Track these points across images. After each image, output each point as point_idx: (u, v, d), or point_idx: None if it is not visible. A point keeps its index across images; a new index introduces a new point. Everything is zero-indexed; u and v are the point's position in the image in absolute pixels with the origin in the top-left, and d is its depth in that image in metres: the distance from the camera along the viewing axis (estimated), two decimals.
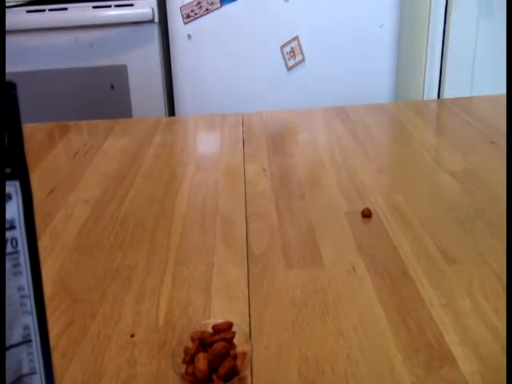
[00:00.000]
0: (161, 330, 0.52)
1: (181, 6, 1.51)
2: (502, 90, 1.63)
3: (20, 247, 0.28)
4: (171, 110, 1.70)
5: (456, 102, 1.15)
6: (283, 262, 0.62)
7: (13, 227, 0.28)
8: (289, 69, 1.58)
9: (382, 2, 1.55)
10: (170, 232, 0.70)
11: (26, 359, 0.30)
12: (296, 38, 1.55)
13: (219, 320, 0.48)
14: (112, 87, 1.64)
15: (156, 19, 1.58)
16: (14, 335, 0.29)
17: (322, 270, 0.60)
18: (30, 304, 0.29)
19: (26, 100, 1.60)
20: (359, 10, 1.55)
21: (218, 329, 0.46)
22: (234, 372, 0.43)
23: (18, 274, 0.29)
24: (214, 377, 0.43)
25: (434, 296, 0.55)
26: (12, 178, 0.28)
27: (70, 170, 0.90)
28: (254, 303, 0.55)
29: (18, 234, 0.28)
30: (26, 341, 0.30)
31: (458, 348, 0.48)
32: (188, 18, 1.52)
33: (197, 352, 0.44)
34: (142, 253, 0.65)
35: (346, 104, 1.21)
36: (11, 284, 0.28)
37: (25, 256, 0.29)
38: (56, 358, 0.49)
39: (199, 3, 1.51)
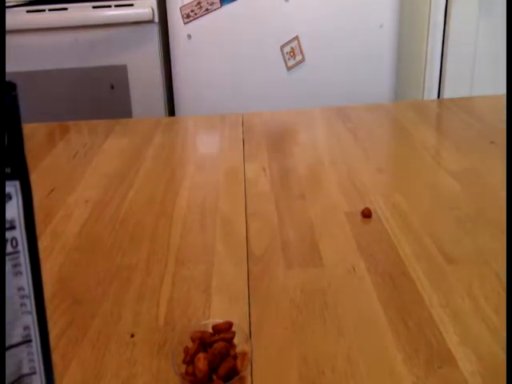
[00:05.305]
0: (161, 330, 0.52)
1: (181, 5, 1.51)
2: (502, 89, 1.63)
3: (20, 247, 0.28)
4: (171, 110, 1.70)
5: (456, 101, 1.15)
6: (283, 262, 0.62)
7: (13, 227, 0.28)
8: (289, 69, 1.58)
9: (382, 2, 1.55)
10: (170, 232, 0.70)
11: (25, 359, 0.30)
12: (296, 38, 1.55)
13: (219, 320, 0.48)
14: (112, 87, 1.64)
15: (156, 19, 1.58)
16: (14, 335, 0.29)
17: (322, 270, 0.60)
18: (30, 304, 0.29)
19: (26, 100, 1.60)
20: (359, 10, 1.55)
21: (218, 329, 0.46)
22: (234, 372, 0.43)
23: (18, 274, 0.29)
24: (214, 377, 0.43)
25: (434, 296, 0.55)
26: (12, 178, 0.28)
27: (70, 170, 0.90)
28: (253, 303, 0.55)
29: (18, 233, 0.28)
30: (26, 341, 0.30)
31: (458, 348, 0.48)
32: (188, 17, 1.52)
33: (197, 352, 0.44)
34: (142, 253, 0.65)
35: (346, 104, 1.21)
36: (11, 284, 0.28)
37: (25, 256, 0.29)
38: (56, 358, 0.49)
39: (199, 3, 1.51)
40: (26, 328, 0.29)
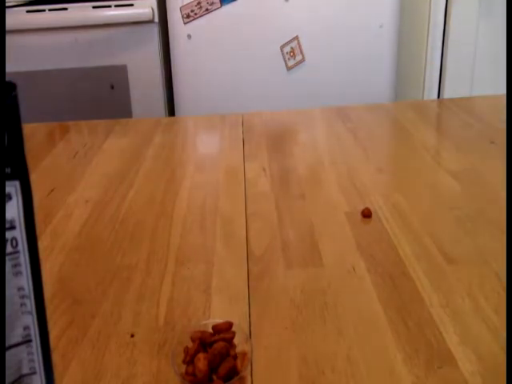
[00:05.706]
0: (161, 330, 0.52)
1: (181, 5, 1.51)
2: (502, 89, 1.63)
3: (20, 247, 0.28)
4: (171, 110, 1.70)
5: (456, 101, 1.15)
6: (283, 262, 0.62)
7: (13, 227, 0.28)
8: (289, 69, 1.58)
9: (382, 2, 1.55)
10: (170, 232, 0.70)
11: (25, 359, 0.30)
12: (296, 38, 1.55)
13: (219, 320, 0.48)
14: (112, 87, 1.64)
15: (156, 19, 1.58)
16: (14, 335, 0.29)
17: (322, 270, 0.60)
18: (30, 304, 0.29)
19: (26, 100, 1.60)
20: (359, 10, 1.55)
21: (218, 329, 0.46)
22: (234, 372, 0.43)
23: (18, 273, 0.29)
24: (214, 377, 0.43)
25: (434, 296, 0.55)
26: (12, 178, 0.28)
27: (70, 170, 0.90)
28: (253, 303, 0.55)
29: (18, 233, 0.28)
30: (26, 341, 0.30)
31: (458, 348, 0.48)
32: (188, 17, 1.52)
33: (197, 352, 0.44)
34: (142, 253, 0.65)
35: (346, 104, 1.21)
36: (11, 284, 0.28)
37: (25, 256, 0.29)
38: (56, 358, 0.49)
39: (199, 3, 1.51)
40: (26, 328, 0.29)
